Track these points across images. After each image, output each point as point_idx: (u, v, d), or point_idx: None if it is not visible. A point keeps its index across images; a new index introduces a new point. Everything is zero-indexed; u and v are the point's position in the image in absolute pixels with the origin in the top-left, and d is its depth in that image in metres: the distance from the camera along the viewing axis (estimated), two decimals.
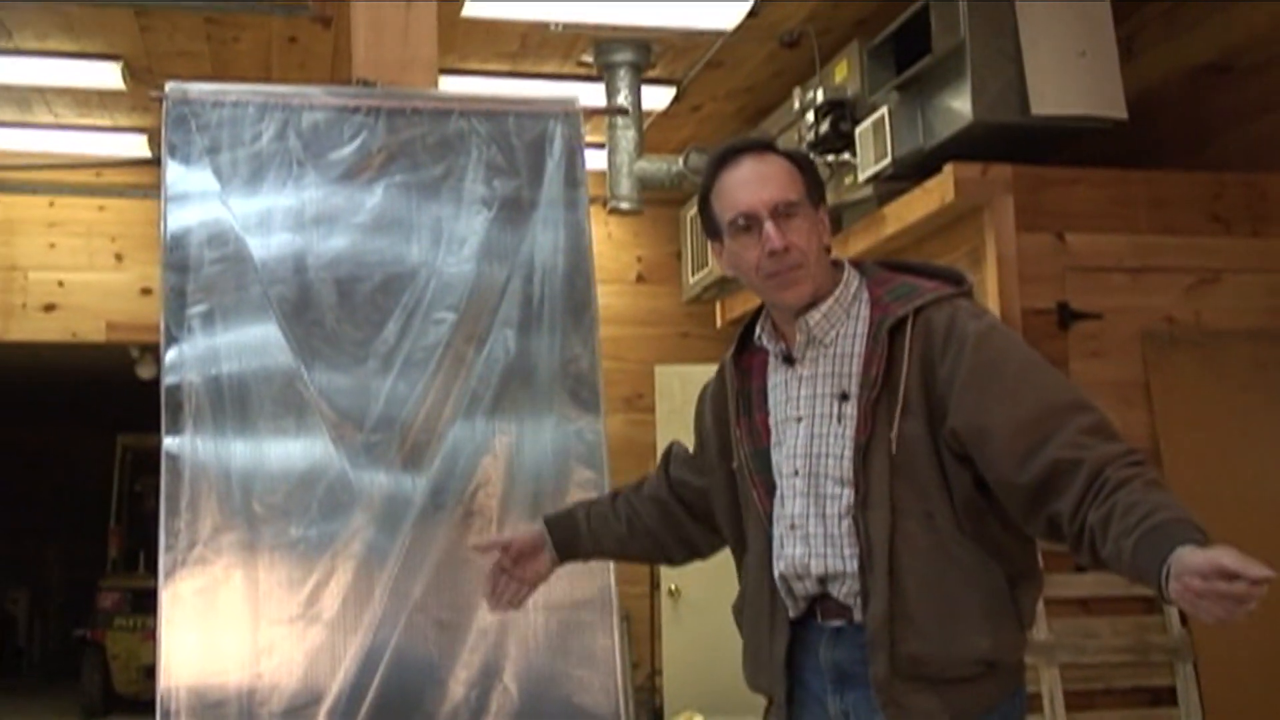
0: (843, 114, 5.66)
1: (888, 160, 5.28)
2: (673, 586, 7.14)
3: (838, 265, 2.65)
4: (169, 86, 3.57)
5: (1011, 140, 4.97)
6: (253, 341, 3.48)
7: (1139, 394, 4.83)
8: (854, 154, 5.59)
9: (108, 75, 6.76)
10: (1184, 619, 4.63)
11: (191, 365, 3.44)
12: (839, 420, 2.54)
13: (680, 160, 6.35)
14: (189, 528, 3.35)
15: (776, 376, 2.66)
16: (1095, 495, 2.25)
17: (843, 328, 2.58)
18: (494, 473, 3.46)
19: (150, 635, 10.88)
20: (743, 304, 7.49)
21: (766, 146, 2.67)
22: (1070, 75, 4.92)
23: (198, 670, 3.30)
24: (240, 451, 3.43)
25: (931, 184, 5.01)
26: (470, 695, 3.36)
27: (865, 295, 2.61)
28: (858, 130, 5.52)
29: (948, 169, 4.91)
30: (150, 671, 10.86)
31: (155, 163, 7.68)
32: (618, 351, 7.76)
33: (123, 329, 8.27)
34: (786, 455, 2.60)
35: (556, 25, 6.11)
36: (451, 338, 3.52)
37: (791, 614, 2.59)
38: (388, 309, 3.52)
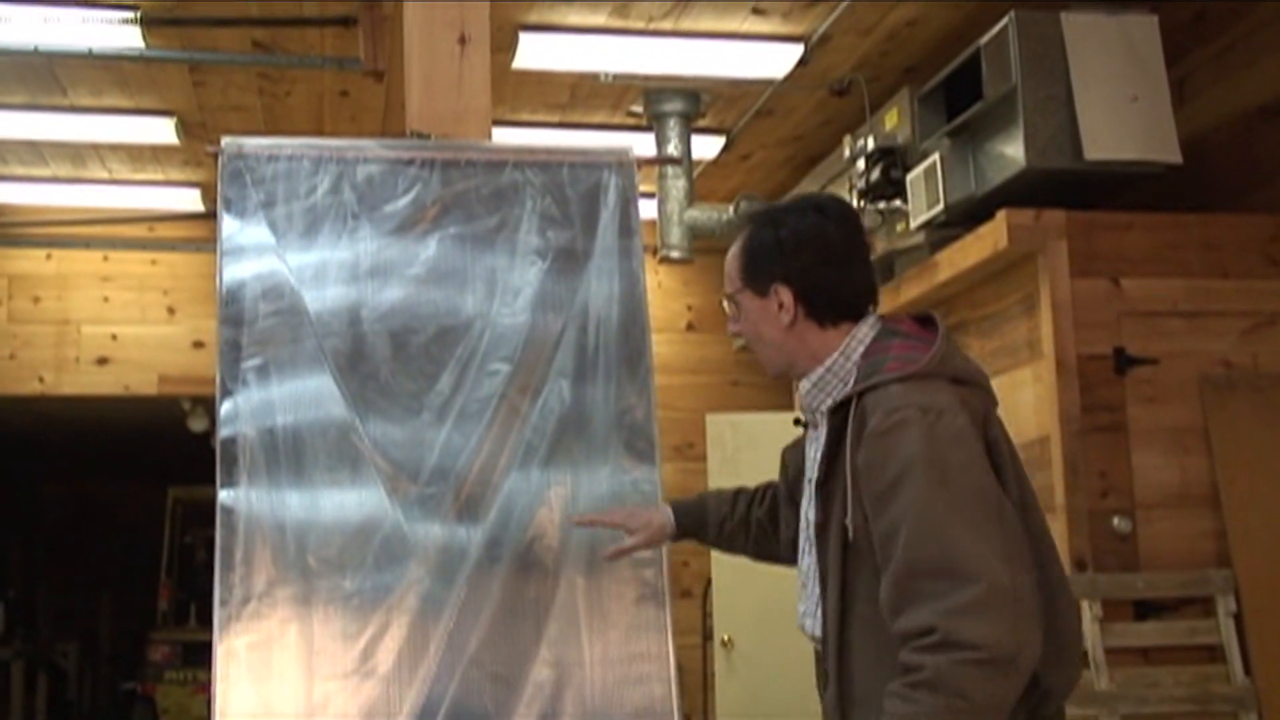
0: (893, 161, 5.64)
1: (940, 207, 5.26)
2: (725, 637, 7.10)
3: (854, 331, 2.65)
4: (225, 141, 3.58)
5: (1064, 186, 4.94)
6: (307, 394, 3.47)
7: (1198, 439, 4.77)
8: (905, 201, 5.58)
9: (161, 131, 6.83)
10: (1248, 668, 4.57)
11: (246, 418, 3.44)
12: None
13: (730, 208, 6.34)
14: (243, 582, 3.34)
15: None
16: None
17: (838, 395, 2.58)
18: (550, 524, 3.44)
19: (201, 688, 10.91)
20: None
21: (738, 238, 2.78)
22: (1123, 120, 4.89)
23: None
24: (295, 504, 3.42)
25: (984, 230, 4.98)
26: None
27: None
28: (909, 177, 5.50)
29: (1000, 215, 4.88)
30: None
31: (207, 217, 7.78)
32: (668, 400, 7.75)
33: (174, 382, 8.34)
34: (804, 513, 2.69)
35: (606, 76, 6.13)
36: (506, 389, 3.51)
37: None
38: (442, 360, 3.51)
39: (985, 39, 5.02)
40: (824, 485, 2.52)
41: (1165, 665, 4.57)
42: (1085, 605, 4.48)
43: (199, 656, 11.02)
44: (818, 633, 2.57)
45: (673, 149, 6.32)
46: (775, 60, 6.02)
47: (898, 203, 5.66)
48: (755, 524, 3.05)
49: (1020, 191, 4.95)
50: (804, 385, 2.64)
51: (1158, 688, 4.51)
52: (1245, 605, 4.59)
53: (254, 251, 3.54)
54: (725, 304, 2.77)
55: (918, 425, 2.39)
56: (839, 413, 2.51)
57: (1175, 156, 4.91)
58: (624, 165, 3.73)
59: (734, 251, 2.74)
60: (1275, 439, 4.80)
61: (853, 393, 2.49)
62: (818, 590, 2.58)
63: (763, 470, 3.13)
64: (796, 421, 2.77)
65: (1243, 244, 4.97)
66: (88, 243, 8.23)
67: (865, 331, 2.62)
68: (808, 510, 2.66)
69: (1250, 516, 4.66)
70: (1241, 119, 5.26)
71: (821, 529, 2.52)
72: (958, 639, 2.23)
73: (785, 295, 2.64)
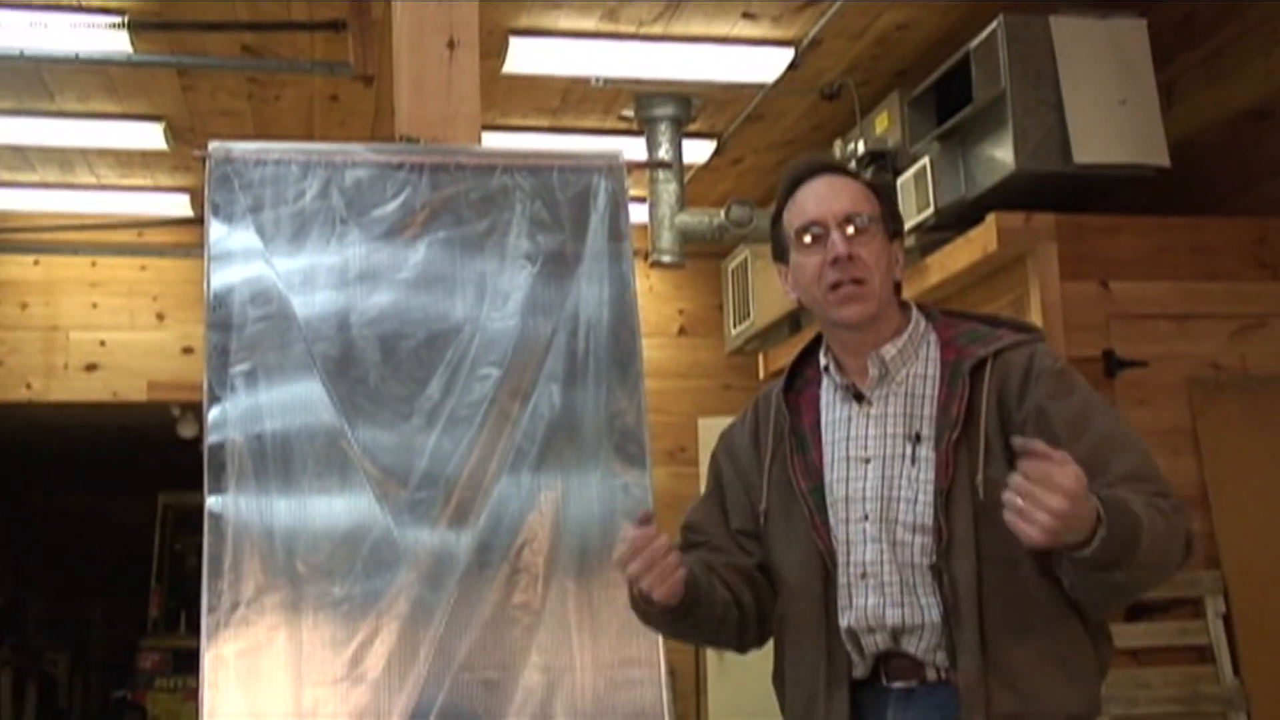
0: (884, 165, 5.64)
1: (930, 210, 5.26)
2: None
3: (905, 306, 2.60)
4: (212, 146, 3.57)
5: (1054, 189, 4.94)
6: (296, 400, 3.47)
7: (1186, 441, 4.77)
8: None
9: (150, 136, 6.80)
10: (1236, 669, 4.57)
11: (234, 424, 3.43)
12: (913, 463, 2.44)
13: (721, 213, 6.34)
14: (232, 588, 3.33)
15: (835, 413, 2.57)
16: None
17: (913, 367, 2.52)
18: (540, 529, 3.43)
19: (191, 696, 10.87)
20: (785, 355, 7.44)
21: (843, 169, 2.64)
22: (1112, 123, 4.89)
23: None
24: (283, 510, 3.41)
25: (974, 233, 4.98)
26: None
27: (933, 337, 2.55)
28: (899, 181, 5.50)
29: (990, 218, 4.88)
30: None
31: (196, 222, 7.73)
32: (660, 404, 7.73)
33: (164, 388, 8.30)
34: (853, 498, 2.48)
35: (597, 81, 6.12)
36: (496, 393, 3.50)
37: (858, 673, 2.46)
38: (432, 365, 3.51)
39: (975, 43, 5.02)
40: (956, 446, 2.40)
41: (1155, 666, 4.57)
42: None
43: (189, 664, 10.99)
44: (917, 617, 2.40)
45: (664, 153, 6.32)
46: (766, 64, 6.02)
47: None
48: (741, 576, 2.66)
49: (1010, 195, 4.95)
50: (889, 350, 2.50)
51: (1148, 689, 4.51)
52: (1234, 606, 4.59)
53: (242, 256, 3.53)
54: (853, 219, 2.51)
55: (1075, 371, 2.53)
56: (977, 372, 2.46)
57: (1164, 160, 4.92)
58: (614, 169, 3.73)
59: (853, 183, 2.58)
60: (1264, 441, 4.81)
61: (992, 351, 2.47)
62: (896, 576, 2.42)
63: None
64: (859, 397, 2.54)
65: (1231, 247, 4.97)
66: (75, 249, 8.19)
67: (915, 308, 2.60)
68: (858, 486, 2.47)
69: (1239, 518, 4.67)
70: (1230, 122, 5.26)
71: (948, 494, 2.39)
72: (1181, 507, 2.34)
73: (899, 252, 2.59)
